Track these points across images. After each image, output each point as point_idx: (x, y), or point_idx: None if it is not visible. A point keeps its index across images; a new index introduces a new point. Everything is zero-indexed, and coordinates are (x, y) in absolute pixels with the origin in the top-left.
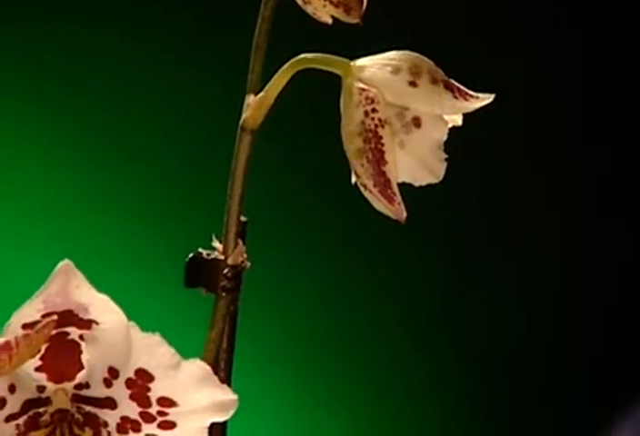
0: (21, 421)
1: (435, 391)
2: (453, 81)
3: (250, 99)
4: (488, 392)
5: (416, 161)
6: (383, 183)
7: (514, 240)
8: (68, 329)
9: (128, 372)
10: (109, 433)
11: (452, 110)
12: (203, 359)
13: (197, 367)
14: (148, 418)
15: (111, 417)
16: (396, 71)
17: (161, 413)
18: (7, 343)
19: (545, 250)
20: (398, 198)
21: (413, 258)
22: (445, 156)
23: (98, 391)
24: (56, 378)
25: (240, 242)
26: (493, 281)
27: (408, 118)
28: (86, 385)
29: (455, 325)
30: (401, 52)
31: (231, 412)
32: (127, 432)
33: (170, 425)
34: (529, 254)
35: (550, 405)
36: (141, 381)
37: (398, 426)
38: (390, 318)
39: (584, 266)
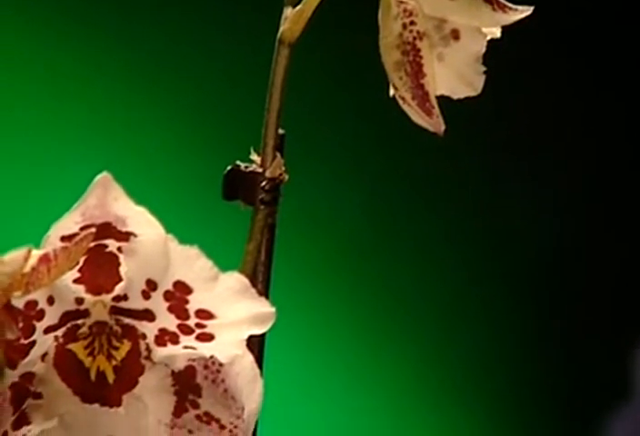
0: (59, 332)
1: (473, 303)
2: None
3: (288, 12)
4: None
5: (455, 74)
6: (421, 95)
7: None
8: (106, 241)
9: (166, 285)
10: (147, 345)
11: (490, 22)
12: (241, 271)
13: (235, 279)
14: (186, 330)
15: (149, 329)
16: None
17: (199, 325)
18: (46, 256)
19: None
20: (437, 111)
21: (453, 168)
22: (484, 69)
23: (136, 303)
24: (95, 290)
25: (278, 154)
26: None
27: (446, 31)
28: (124, 297)
29: (495, 236)
30: None
31: (268, 325)
32: (165, 344)
33: (208, 337)
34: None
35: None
36: (179, 294)
37: (444, 329)
38: (431, 226)
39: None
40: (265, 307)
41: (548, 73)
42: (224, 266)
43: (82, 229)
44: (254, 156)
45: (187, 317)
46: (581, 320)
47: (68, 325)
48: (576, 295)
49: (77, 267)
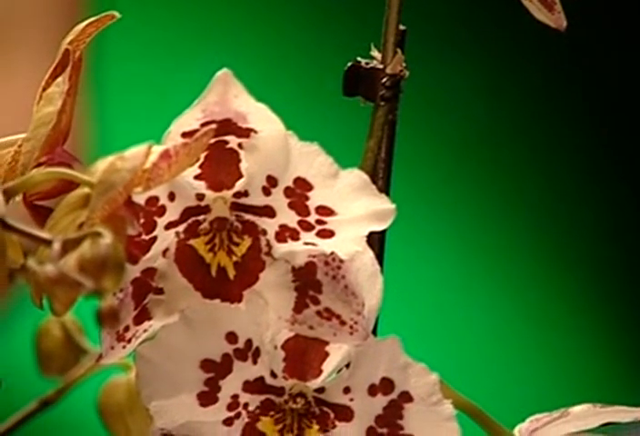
0: (180, 228)
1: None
2: None
3: None
4: None
5: None
6: None
7: None
8: (227, 137)
9: (287, 181)
10: (268, 241)
11: None
12: (361, 168)
13: (355, 176)
14: (307, 226)
15: (269, 225)
16: None
17: (319, 222)
18: (166, 152)
19: None
20: (558, 7)
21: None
22: None
23: (257, 199)
24: (215, 186)
25: (399, 50)
26: None
27: None
28: (245, 193)
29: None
30: None
31: (389, 222)
32: (286, 241)
33: (328, 234)
34: None
35: None
36: (299, 190)
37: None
38: (543, 121)
39: None
40: (385, 204)
41: None
42: (344, 163)
43: (202, 125)
44: (374, 52)
45: (308, 213)
46: None
47: (189, 221)
48: None
49: (198, 163)
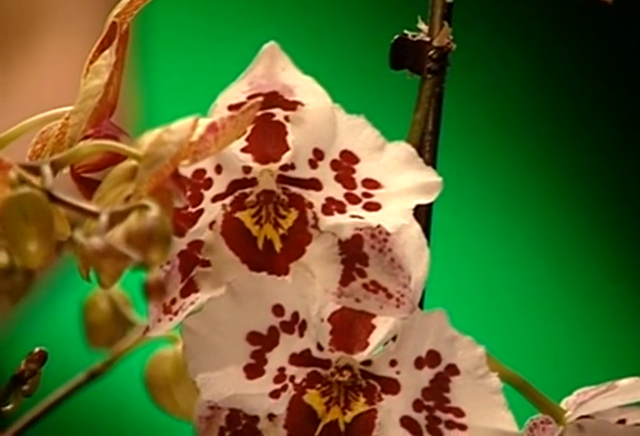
0: (227, 201)
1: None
2: None
3: None
4: None
5: None
6: None
7: None
8: (274, 110)
9: (333, 154)
10: (314, 214)
11: None
12: (407, 141)
13: (402, 149)
14: (353, 199)
15: (316, 198)
16: None
17: (366, 195)
18: (213, 125)
19: None
20: None
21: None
22: None
23: (303, 172)
24: (262, 159)
25: (446, 23)
26: None
27: None
28: (292, 166)
29: None
30: None
31: (435, 195)
32: (332, 213)
33: (375, 207)
34: None
35: None
36: (346, 163)
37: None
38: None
39: None
40: (431, 177)
41: None
42: (390, 136)
43: (249, 98)
44: (421, 25)
45: (354, 186)
46: None
47: (236, 194)
48: None
49: (245, 136)
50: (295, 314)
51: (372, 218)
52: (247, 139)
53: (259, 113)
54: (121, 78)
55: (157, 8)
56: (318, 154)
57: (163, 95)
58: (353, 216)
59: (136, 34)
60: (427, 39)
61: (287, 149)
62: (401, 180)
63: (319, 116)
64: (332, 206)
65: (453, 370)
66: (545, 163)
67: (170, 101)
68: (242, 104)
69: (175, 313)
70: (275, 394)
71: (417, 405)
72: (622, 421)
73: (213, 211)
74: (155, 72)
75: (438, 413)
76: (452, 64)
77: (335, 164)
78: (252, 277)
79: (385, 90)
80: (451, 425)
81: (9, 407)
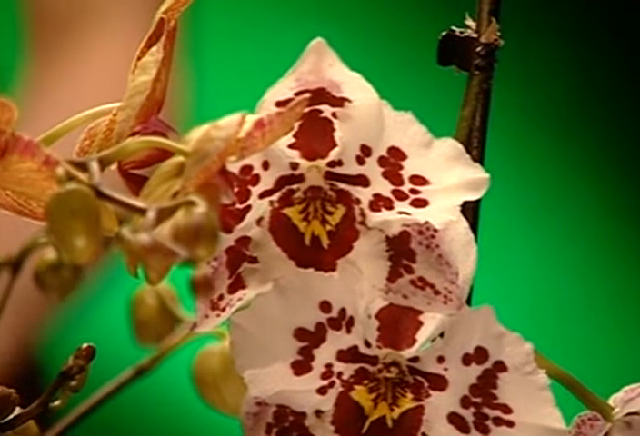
0: (275, 197)
1: None
2: None
3: None
4: None
5: None
6: None
7: None
8: (321, 107)
9: (381, 150)
10: (362, 211)
11: None
12: (455, 138)
13: (449, 146)
14: (400, 196)
15: (363, 194)
16: None
17: (413, 191)
18: (260, 121)
19: None
20: None
21: None
22: None
23: (351, 168)
24: (310, 155)
25: (493, 19)
26: None
27: None
28: (339, 163)
29: None
30: None
31: (483, 191)
32: (380, 210)
33: (422, 203)
34: None
35: None
36: (393, 160)
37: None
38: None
39: None
40: (479, 173)
41: None
42: (438, 132)
43: (296, 94)
44: (469, 21)
45: (401, 183)
46: None
47: (283, 190)
48: None
49: (292, 132)
50: (343, 311)
51: (419, 214)
52: (295, 135)
53: (306, 110)
54: (169, 74)
55: (206, 4)
56: (366, 151)
57: (210, 91)
58: (400, 213)
59: (187, 30)
60: (475, 35)
61: (335, 145)
62: (448, 176)
63: (367, 113)
64: (379, 202)
65: (500, 366)
66: (594, 160)
67: (218, 97)
68: (289, 100)
69: (223, 310)
70: (322, 391)
71: (465, 402)
72: None
73: (260, 207)
74: (203, 68)
75: (485, 410)
76: (499, 60)
77: (382, 161)
78: (299, 273)
79: (432, 86)
80: (498, 422)
81: (57, 403)
